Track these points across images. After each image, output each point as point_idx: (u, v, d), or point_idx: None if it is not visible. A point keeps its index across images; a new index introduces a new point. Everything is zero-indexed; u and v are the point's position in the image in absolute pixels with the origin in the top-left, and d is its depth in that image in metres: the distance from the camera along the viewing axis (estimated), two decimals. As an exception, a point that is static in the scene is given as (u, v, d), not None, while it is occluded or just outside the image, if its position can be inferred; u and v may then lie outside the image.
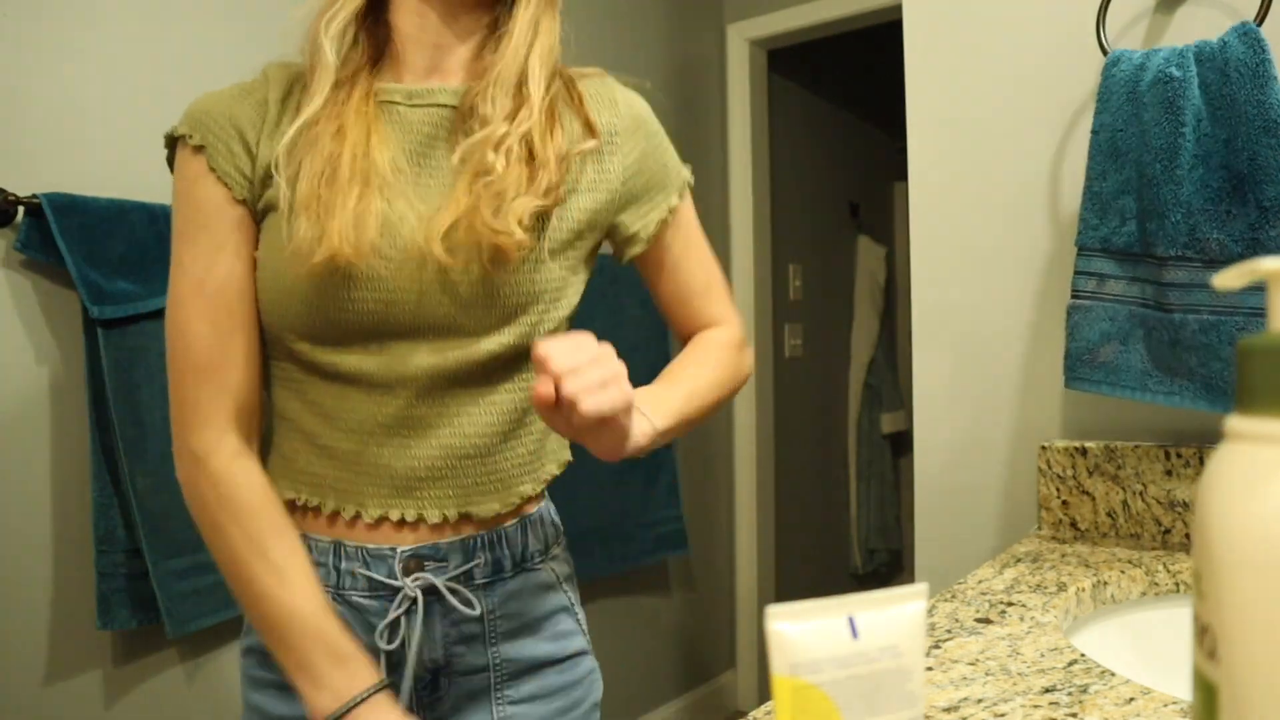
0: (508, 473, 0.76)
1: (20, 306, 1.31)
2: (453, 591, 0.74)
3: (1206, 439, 1.01)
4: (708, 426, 2.73)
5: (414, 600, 0.73)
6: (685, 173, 0.86)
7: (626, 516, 2.26)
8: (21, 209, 1.27)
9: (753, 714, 0.58)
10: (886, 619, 0.43)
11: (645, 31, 2.52)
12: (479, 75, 0.75)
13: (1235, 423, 0.31)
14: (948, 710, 0.57)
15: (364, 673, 0.68)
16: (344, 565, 0.73)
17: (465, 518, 0.75)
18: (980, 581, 0.88)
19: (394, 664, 0.73)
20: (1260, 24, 0.91)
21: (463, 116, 0.74)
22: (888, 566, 3.62)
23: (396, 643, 0.72)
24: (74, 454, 1.36)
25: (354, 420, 0.72)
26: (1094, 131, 0.99)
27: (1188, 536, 0.99)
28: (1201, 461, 0.99)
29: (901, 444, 3.71)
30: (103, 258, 1.31)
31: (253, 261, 0.73)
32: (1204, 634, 0.31)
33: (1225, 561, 0.30)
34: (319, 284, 0.69)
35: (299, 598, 0.69)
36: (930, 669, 0.65)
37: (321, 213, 0.68)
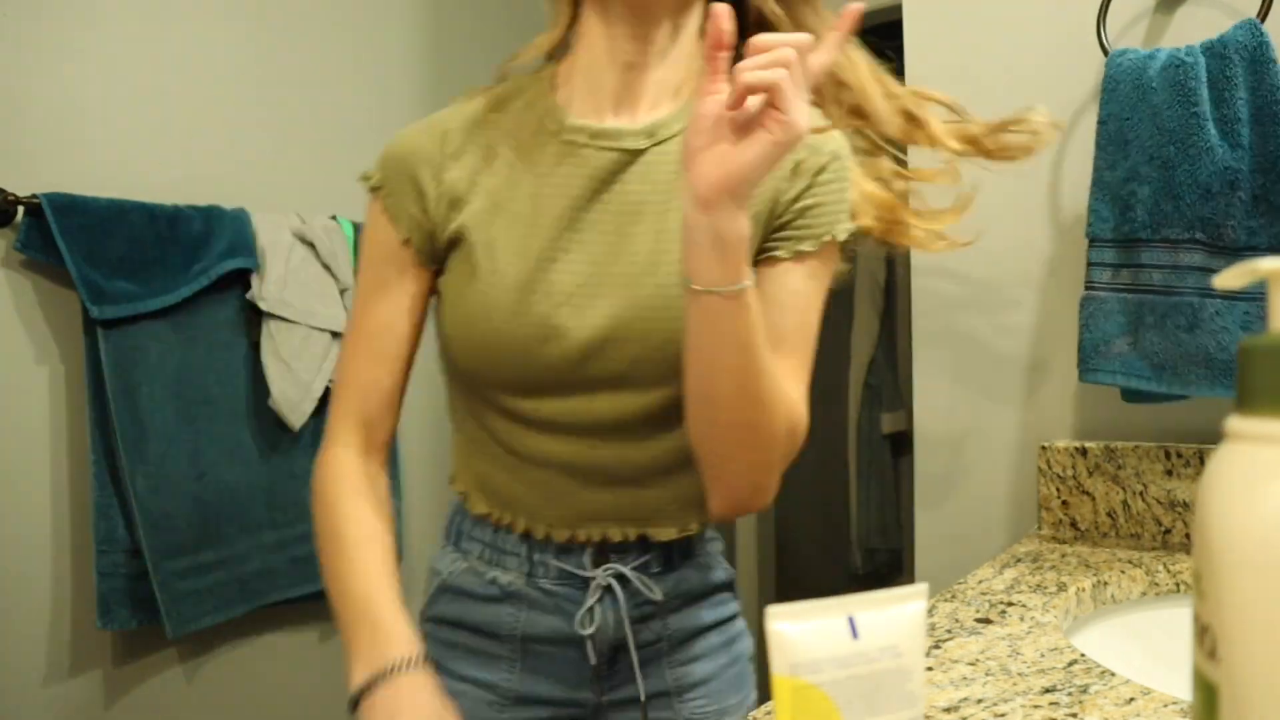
0: (685, 502, 0.78)
1: (20, 306, 1.31)
2: (637, 578, 0.79)
3: (1206, 439, 1.01)
4: (708, 426, 2.73)
5: (606, 588, 0.79)
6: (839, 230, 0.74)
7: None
8: (21, 209, 1.27)
9: (753, 714, 0.58)
10: (886, 619, 0.43)
11: (645, 31, 2.51)
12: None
13: (1235, 423, 0.31)
14: (948, 710, 0.57)
15: (400, 648, 0.68)
16: (536, 556, 0.79)
17: (643, 536, 0.79)
18: (980, 581, 0.88)
19: (579, 642, 0.79)
20: (1263, 22, 0.91)
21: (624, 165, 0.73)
22: (888, 566, 3.62)
23: (594, 627, 0.78)
24: (74, 454, 1.36)
25: (540, 458, 0.76)
26: (1101, 122, 0.99)
27: (1188, 537, 0.99)
28: (1201, 461, 0.99)
29: (901, 444, 3.70)
30: (103, 258, 1.31)
31: (416, 301, 0.77)
32: (1204, 634, 0.31)
33: (1225, 561, 0.30)
34: (512, 341, 0.72)
35: (358, 579, 0.72)
36: (930, 669, 0.65)
37: (521, 274, 0.71)
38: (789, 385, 0.74)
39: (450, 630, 0.82)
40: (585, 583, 0.79)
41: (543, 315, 0.70)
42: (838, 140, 0.75)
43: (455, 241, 0.74)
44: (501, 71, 0.79)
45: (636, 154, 0.72)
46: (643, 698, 0.80)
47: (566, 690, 0.80)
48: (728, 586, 0.89)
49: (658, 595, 0.79)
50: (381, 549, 0.74)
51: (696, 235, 0.59)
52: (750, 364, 0.64)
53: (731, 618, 0.88)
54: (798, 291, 0.74)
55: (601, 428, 0.74)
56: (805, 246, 0.72)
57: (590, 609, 0.78)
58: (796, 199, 0.73)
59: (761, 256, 0.73)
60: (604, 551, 0.78)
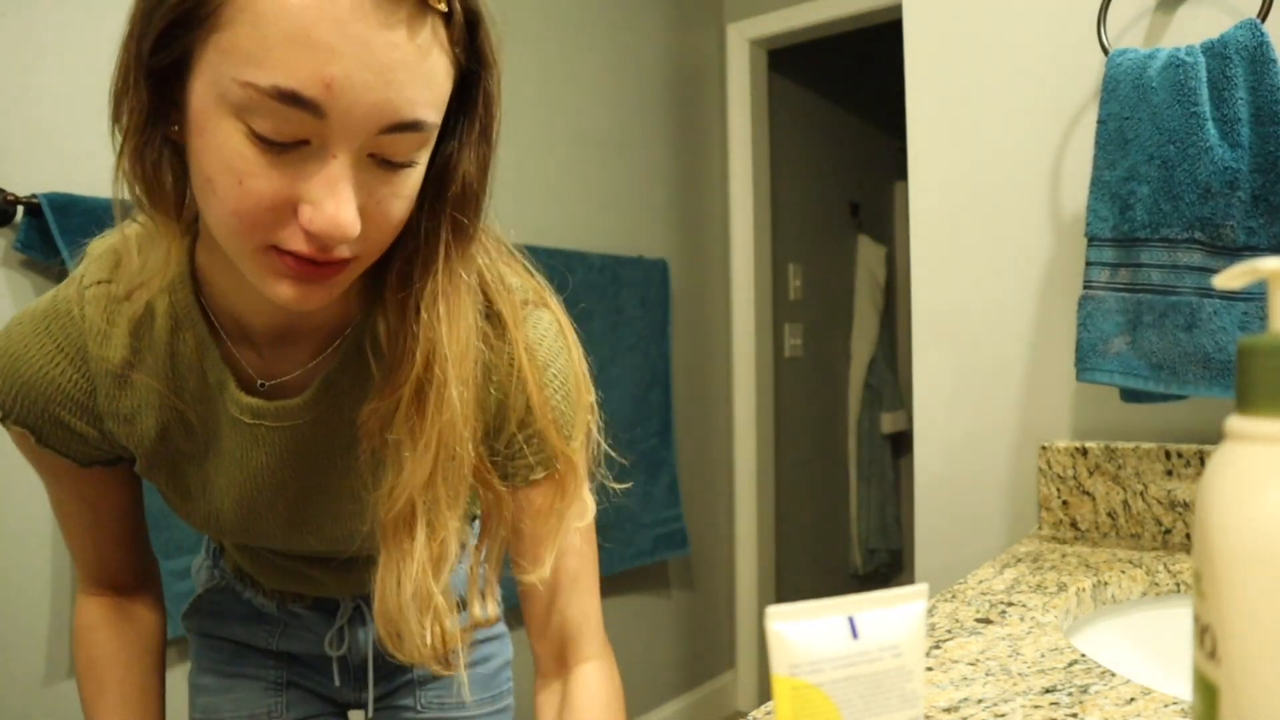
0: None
1: (20, 306, 1.31)
2: None
3: (1206, 439, 1.01)
4: (707, 426, 2.74)
5: (354, 609, 0.87)
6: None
7: (626, 517, 2.26)
8: (21, 209, 1.27)
9: (753, 714, 0.58)
10: (886, 619, 0.43)
11: (645, 31, 2.52)
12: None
13: (1235, 423, 0.31)
14: (948, 710, 0.57)
15: None
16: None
17: None
18: (980, 581, 0.88)
19: (327, 662, 0.88)
20: (1263, 22, 0.91)
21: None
22: (888, 566, 3.62)
23: (343, 649, 0.87)
24: (74, 454, 1.36)
25: (265, 559, 0.83)
26: (1101, 121, 0.99)
27: (1188, 537, 0.99)
28: (1202, 461, 0.99)
29: (901, 444, 3.71)
30: (102, 258, 1.31)
31: (115, 487, 0.74)
32: (1204, 634, 0.31)
33: (1225, 562, 0.30)
34: (236, 535, 0.75)
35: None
36: (930, 669, 0.65)
37: (232, 511, 0.72)
38: (588, 625, 0.76)
39: (213, 640, 0.90)
40: (335, 606, 0.87)
41: (265, 534, 0.74)
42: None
43: (147, 469, 0.70)
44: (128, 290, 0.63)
45: (305, 425, 0.66)
46: (371, 701, 0.89)
47: (330, 690, 0.90)
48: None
49: None
50: (117, 687, 0.79)
51: None
52: None
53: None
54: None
55: (318, 558, 0.81)
56: (537, 475, 0.69)
57: (340, 629, 0.87)
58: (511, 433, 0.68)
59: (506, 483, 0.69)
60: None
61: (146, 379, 0.64)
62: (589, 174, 2.31)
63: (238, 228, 0.50)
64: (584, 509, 0.72)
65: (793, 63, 2.97)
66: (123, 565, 0.80)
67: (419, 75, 0.49)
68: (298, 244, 0.51)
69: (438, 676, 0.90)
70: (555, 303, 0.70)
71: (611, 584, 2.35)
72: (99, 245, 0.67)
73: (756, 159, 2.81)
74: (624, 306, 2.25)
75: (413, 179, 0.54)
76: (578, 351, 0.70)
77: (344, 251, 0.52)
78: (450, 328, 0.59)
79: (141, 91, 0.51)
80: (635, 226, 2.46)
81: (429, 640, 0.63)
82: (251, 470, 0.68)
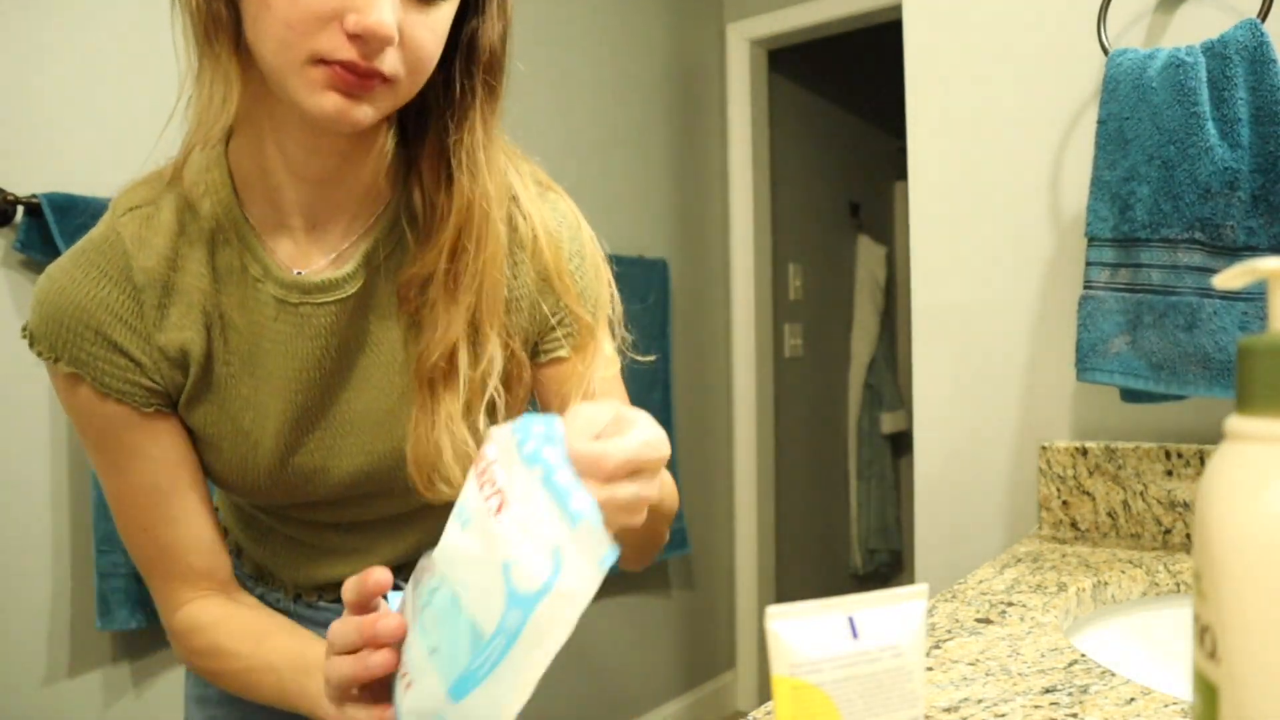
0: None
1: (20, 306, 1.31)
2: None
3: (1206, 439, 1.01)
4: (707, 426, 2.74)
5: None
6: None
7: (626, 516, 2.25)
8: (21, 209, 1.27)
9: (753, 714, 0.58)
10: (887, 619, 0.43)
11: (645, 31, 2.52)
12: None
13: (1235, 423, 0.31)
14: (948, 710, 0.57)
15: None
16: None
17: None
18: (981, 581, 0.88)
19: None
20: (1263, 22, 0.91)
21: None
22: (888, 566, 3.62)
23: None
24: (74, 454, 1.36)
25: (307, 537, 0.79)
26: (1101, 121, 0.99)
27: (1188, 537, 0.99)
28: (1202, 461, 0.99)
29: (901, 444, 3.71)
30: (102, 258, 1.31)
31: (178, 445, 0.69)
32: (1204, 634, 0.31)
33: (1225, 562, 0.30)
34: (275, 487, 0.72)
35: (292, 684, 0.66)
36: (930, 669, 0.65)
37: (270, 435, 0.69)
38: None
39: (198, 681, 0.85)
40: None
41: (302, 466, 0.71)
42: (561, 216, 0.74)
43: (192, 398, 0.68)
44: (185, 152, 0.68)
45: (349, 299, 0.68)
46: None
47: None
48: None
49: None
50: (280, 642, 0.68)
51: None
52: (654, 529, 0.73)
53: None
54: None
55: (371, 521, 0.77)
56: (562, 351, 0.74)
57: None
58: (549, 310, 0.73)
59: (544, 360, 0.75)
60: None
61: (190, 280, 0.66)
62: (589, 174, 2.31)
63: (288, 37, 0.55)
64: (609, 360, 0.77)
65: (793, 63, 2.97)
66: (212, 544, 0.71)
67: None
68: (343, 51, 0.55)
69: None
70: (564, 192, 0.77)
71: (611, 584, 2.35)
72: (124, 190, 0.70)
73: (756, 159, 2.80)
74: (624, 306, 2.25)
75: (442, 17, 0.60)
76: (590, 231, 0.76)
77: (384, 64, 0.57)
78: (490, 174, 0.66)
79: None
80: (635, 226, 2.46)
81: (458, 478, 0.67)
82: (296, 368, 0.68)
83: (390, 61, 0.58)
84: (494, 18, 0.65)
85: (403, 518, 0.77)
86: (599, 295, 0.75)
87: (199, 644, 0.70)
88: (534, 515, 0.43)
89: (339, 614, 0.81)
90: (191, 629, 0.71)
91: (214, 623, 0.70)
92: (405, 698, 0.48)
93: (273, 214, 0.67)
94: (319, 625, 0.83)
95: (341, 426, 0.70)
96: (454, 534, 0.47)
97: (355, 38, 0.55)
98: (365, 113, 0.59)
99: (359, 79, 0.57)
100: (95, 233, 0.67)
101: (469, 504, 0.47)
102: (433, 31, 0.60)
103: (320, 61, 0.56)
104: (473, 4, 0.65)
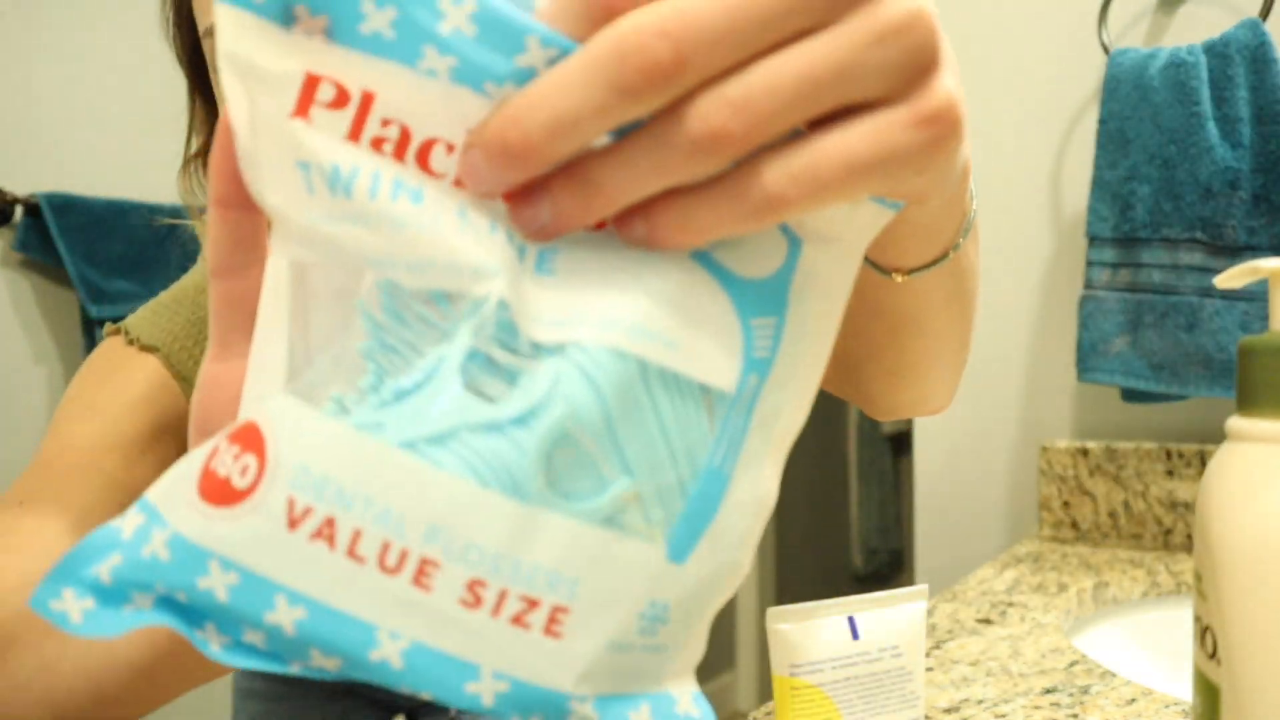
0: None
1: (18, 306, 1.31)
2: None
3: (1207, 439, 1.01)
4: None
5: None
6: None
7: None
8: (20, 208, 1.27)
9: (753, 714, 0.58)
10: (887, 619, 0.43)
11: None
12: None
13: (1236, 423, 0.31)
14: (948, 711, 0.57)
15: None
16: None
17: None
18: (981, 582, 0.88)
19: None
20: (1264, 21, 0.91)
21: None
22: (888, 566, 3.62)
23: None
24: (73, 454, 1.36)
25: None
26: (1101, 120, 0.99)
27: (1189, 537, 0.99)
28: (1202, 462, 0.99)
29: (902, 444, 3.71)
30: (101, 257, 1.31)
31: None
32: (1206, 634, 0.31)
33: (1227, 562, 0.30)
34: None
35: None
36: (931, 669, 0.65)
37: None
38: None
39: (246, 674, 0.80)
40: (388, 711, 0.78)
41: None
42: None
43: None
44: None
45: None
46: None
47: (387, 692, 0.79)
48: None
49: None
50: None
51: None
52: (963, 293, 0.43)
53: None
54: None
55: None
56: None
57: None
58: None
59: None
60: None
61: None
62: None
63: None
64: None
65: (793, 63, 2.97)
66: None
67: None
68: None
69: None
70: None
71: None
72: None
73: (756, 159, 2.80)
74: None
75: None
76: None
77: None
78: None
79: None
80: (635, 226, 2.46)
81: None
82: None
83: None
84: None
85: None
86: None
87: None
88: None
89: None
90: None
91: None
92: (555, 657, 0.21)
93: None
94: None
95: None
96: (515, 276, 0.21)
97: None
98: None
99: None
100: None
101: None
102: None
103: None
104: None
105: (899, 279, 0.38)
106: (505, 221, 0.21)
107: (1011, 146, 1.13)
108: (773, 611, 0.42)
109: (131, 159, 1.40)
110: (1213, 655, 0.31)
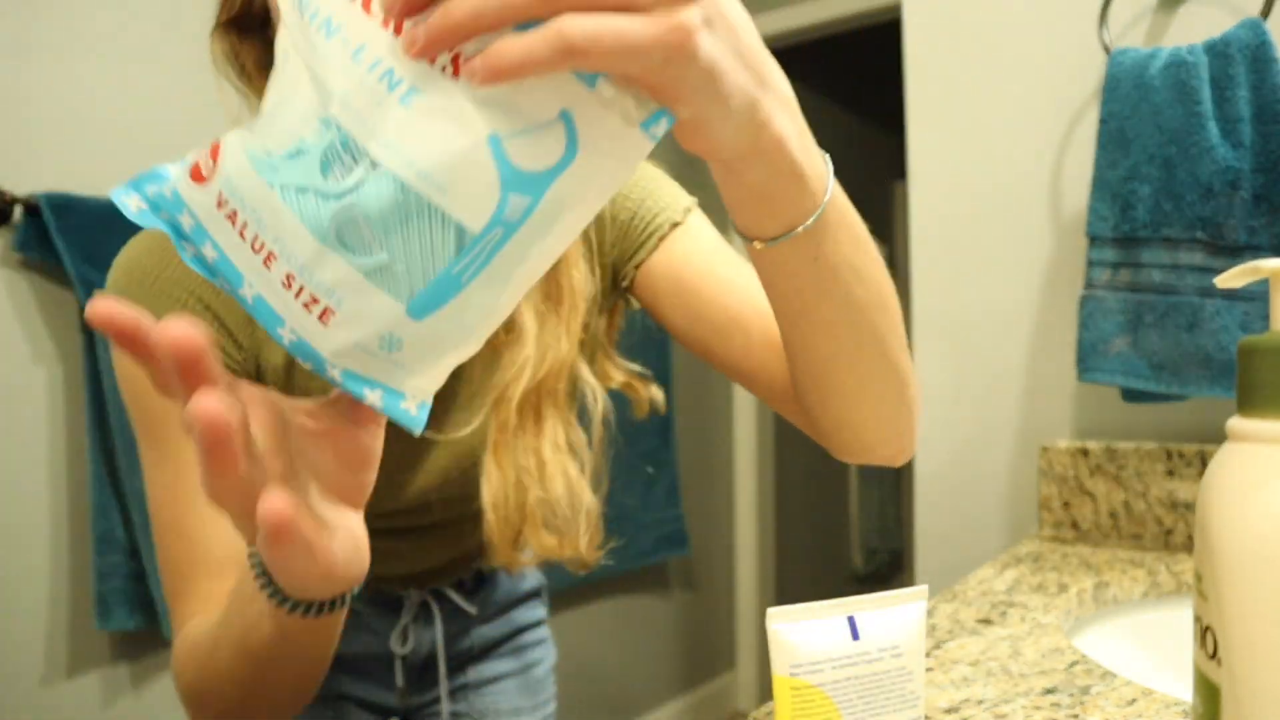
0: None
1: (18, 306, 1.30)
2: (455, 594, 0.79)
3: (1208, 439, 1.01)
4: (708, 426, 2.73)
5: (421, 604, 0.78)
6: None
7: (627, 517, 2.26)
8: (19, 208, 1.27)
9: (753, 714, 0.57)
10: (887, 619, 0.43)
11: (645, 31, 2.51)
12: None
13: (1236, 423, 0.31)
14: (948, 711, 0.57)
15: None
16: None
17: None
18: (981, 582, 0.88)
19: (380, 666, 0.78)
20: (1265, 21, 0.91)
21: None
22: (888, 566, 3.62)
23: (408, 647, 0.77)
24: (72, 454, 1.35)
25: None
26: (1102, 120, 0.99)
27: (1190, 537, 0.99)
28: (1203, 462, 0.99)
29: (902, 444, 3.70)
30: (101, 257, 1.31)
31: None
32: (1206, 634, 0.31)
33: (1227, 562, 0.30)
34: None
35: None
36: (931, 669, 0.64)
37: None
38: None
39: None
40: (398, 601, 0.77)
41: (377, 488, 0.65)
42: None
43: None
44: None
45: None
46: (445, 711, 0.79)
47: (377, 695, 0.79)
48: (536, 594, 0.89)
49: (473, 610, 0.79)
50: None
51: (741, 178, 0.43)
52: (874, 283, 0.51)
53: (537, 623, 0.88)
54: (702, 251, 0.64)
55: (435, 525, 0.73)
56: (664, 230, 0.65)
57: (404, 628, 0.77)
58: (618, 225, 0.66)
59: (637, 272, 0.66)
60: (420, 576, 0.77)
61: None
62: (589, 174, 2.31)
63: None
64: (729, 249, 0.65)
65: (793, 63, 2.96)
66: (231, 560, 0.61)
67: None
68: None
69: (492, 679, 0.84)
70: None
71: (611, 584, 2.35)
72: None
73: (756, 159, 2.80)
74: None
75: None
76: None
77: None
78: None
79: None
80: (635, 226, 2.46)
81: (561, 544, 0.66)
82: None
83: None
84: None
85: (457, 521, 0.74)
86: (659, 180, 0.68)
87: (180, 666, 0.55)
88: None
89: (381, 614, 0.76)
90: (178, 651, 0.56)
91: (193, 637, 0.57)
92: (321, 335, 0.34)
93: None
94: (360, 627, 0.77)
95: (413, 447, 0.66)
96: (376, 103, 0.32)
97: None
98: None
99: None
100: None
101: (400, 62, 0.32)
102: None
103: None
104: None
105: (759, 246, 0.46)
106: (391, 60, 0.32)
107: (1011, 146, 1.13)
108: (773, 611, 0.42)
109: (131, 159, 1.39)
110: (1213, 655, 0.31)
